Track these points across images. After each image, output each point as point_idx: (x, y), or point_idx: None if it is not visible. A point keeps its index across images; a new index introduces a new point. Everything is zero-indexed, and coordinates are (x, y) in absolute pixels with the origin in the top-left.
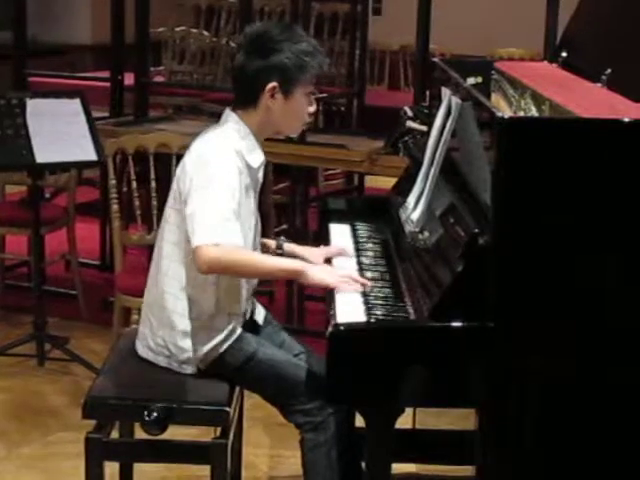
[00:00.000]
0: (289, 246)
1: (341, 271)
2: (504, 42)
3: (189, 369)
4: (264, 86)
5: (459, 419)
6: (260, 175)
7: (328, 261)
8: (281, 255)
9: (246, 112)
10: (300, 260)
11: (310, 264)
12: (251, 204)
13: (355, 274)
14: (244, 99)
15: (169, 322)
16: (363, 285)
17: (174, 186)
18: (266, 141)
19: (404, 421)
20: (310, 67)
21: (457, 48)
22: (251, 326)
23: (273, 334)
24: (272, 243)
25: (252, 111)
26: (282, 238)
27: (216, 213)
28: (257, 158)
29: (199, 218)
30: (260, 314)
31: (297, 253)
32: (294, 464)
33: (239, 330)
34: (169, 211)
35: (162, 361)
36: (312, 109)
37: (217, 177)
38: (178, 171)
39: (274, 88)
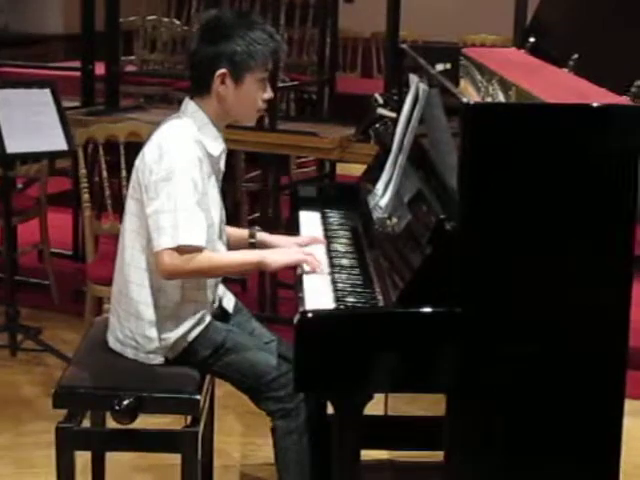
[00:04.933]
0: (261, 235)
1: (299, 249)
2: (476, 29)
3: (156, 359)
4: (214, 72)
5: (431, 405)
6: (222, 164)
7: None
8: (253, 245)
9: (202, 99)
10: (266, 249)
11: (266, 251)
12: (215, 193)
13: (319, 254)
14: (198, 86)
15: (136, 312)
16: (316, 266)
17: (133, 176)
18: (236, 129)
19: (376, 407)
20: (261, 54)
21: (429, 35)
22: (221, 314)
23: (243, 322)
24: (245, 232)
25: (207, 98)
26: (256, 227)
27: (177, 211)
28: (217, 146)
29: (161, 218)
30: (230, 302)
31: (269, 242)
32: (266, 452)
33: (208, 318)
34: (129, 201)
35: (130, 352)
36: (267, 96)
37: (178, 169)
38: (137, 162)
39: (224, 75)
